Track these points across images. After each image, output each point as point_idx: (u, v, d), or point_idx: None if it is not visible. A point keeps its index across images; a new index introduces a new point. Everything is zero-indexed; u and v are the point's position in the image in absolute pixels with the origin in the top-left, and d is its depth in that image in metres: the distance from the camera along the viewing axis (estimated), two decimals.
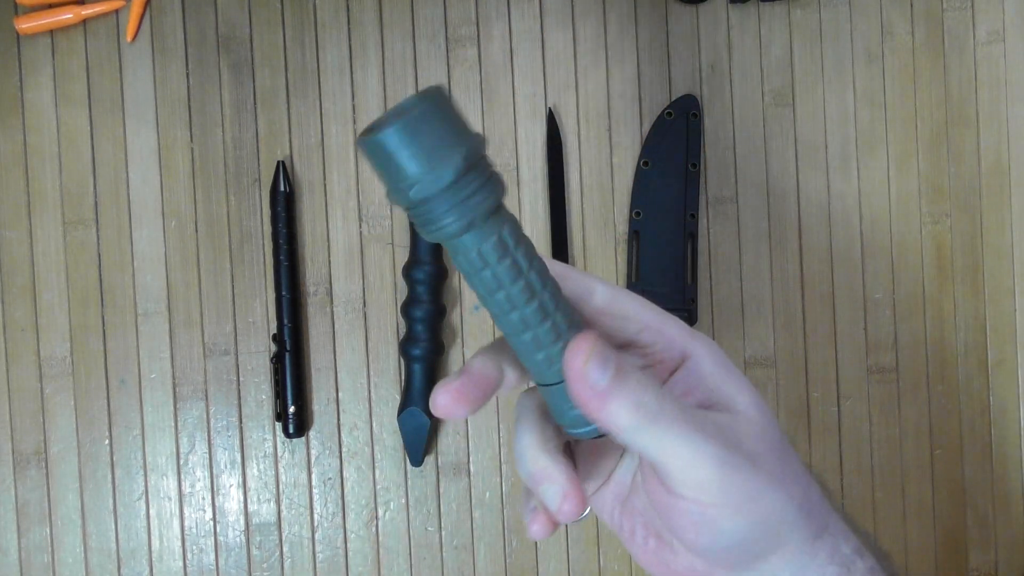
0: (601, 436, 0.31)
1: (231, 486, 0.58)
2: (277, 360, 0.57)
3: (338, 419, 0.59)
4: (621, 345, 0.32)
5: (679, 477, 0.29)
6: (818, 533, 0.31)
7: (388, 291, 0.59)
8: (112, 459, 0.58)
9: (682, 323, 0.32)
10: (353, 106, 0.59)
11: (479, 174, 0.27)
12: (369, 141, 0.26)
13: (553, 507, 0.31)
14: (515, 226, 0.28)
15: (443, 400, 0.30)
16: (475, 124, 0.59)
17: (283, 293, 0.57)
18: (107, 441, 0.58)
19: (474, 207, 0.27)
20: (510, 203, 0.59)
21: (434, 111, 0.26)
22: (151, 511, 0.58)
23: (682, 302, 0.58)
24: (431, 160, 0.26)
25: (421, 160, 0.26)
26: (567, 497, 0.31)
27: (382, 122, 0.27)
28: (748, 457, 0.29)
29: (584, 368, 0.28)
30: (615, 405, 0.28)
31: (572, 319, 0.30)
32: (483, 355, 0.31)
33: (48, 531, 0.58)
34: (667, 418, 0.28)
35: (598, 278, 0.32)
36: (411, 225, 0.57)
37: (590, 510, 0.35)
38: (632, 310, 0.31)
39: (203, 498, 0.58)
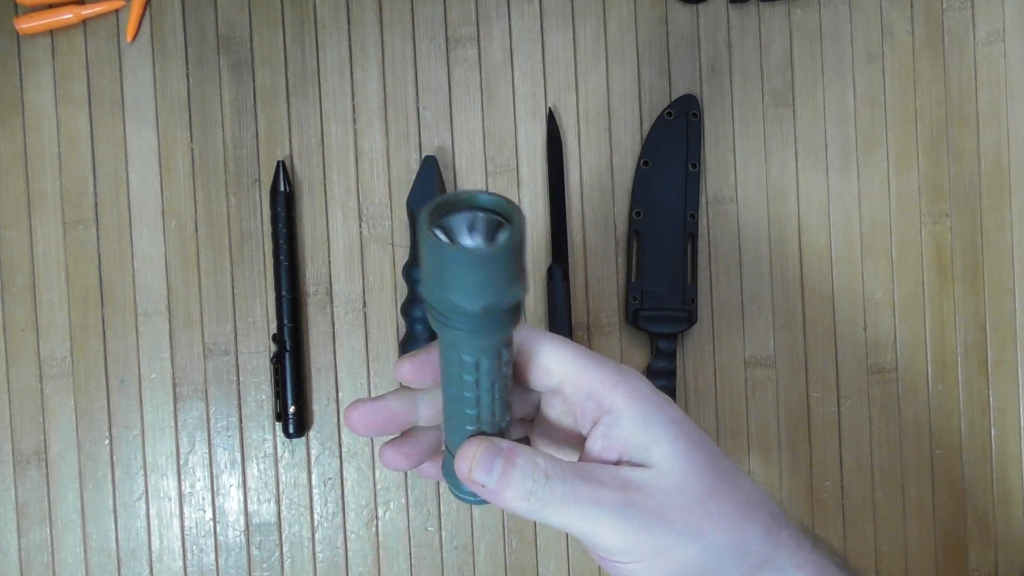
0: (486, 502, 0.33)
1: (231, 486, 0.58)
2: (277, 360, 0.57)
3: (338, 419, 0.59)
4: (547, 392, 0.33)
5: (588, 544, 0.31)
6: (756, 570, 0.32)
7: (388, 291, 0.59)
8: (112, 459, 0.58)
9: (608, 371, 0.32)
10: (353, 106, 0.59)
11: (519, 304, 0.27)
12: (470, 253, 0.25)
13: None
14: (511, 342, 0.30)
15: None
16: (475, 124, 0.59)
17: (283, 293, 0.57)
18: (107, 441, 0.58)
19: (501, 329, 0.27)
20: None
21: (518, 239, 0.25)
22: (151, 511, 0.58)
23: (682, 302, 0.58)
24: (504, 286, 0.25)
25: (499, 283, 0.25)
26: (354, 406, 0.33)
27: (471, 224, 0.26)
28: (655, 514, 0.30)
29: (470, 475, 0.31)
30: (506, 498, 0.30)
31: (505, 414, 0.32)
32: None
33: (48, 531, 0.58)
34: (558, 500, 0.30)
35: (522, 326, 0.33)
36: (411, 225, 0.57)
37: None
38: (552, 363, 0.32)
39: (203, 498, 0.58)
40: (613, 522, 0.30)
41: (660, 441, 0.31)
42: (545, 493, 0.30)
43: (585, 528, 0.30)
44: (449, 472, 0.33)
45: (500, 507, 0.31)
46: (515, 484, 0.30)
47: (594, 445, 0.32)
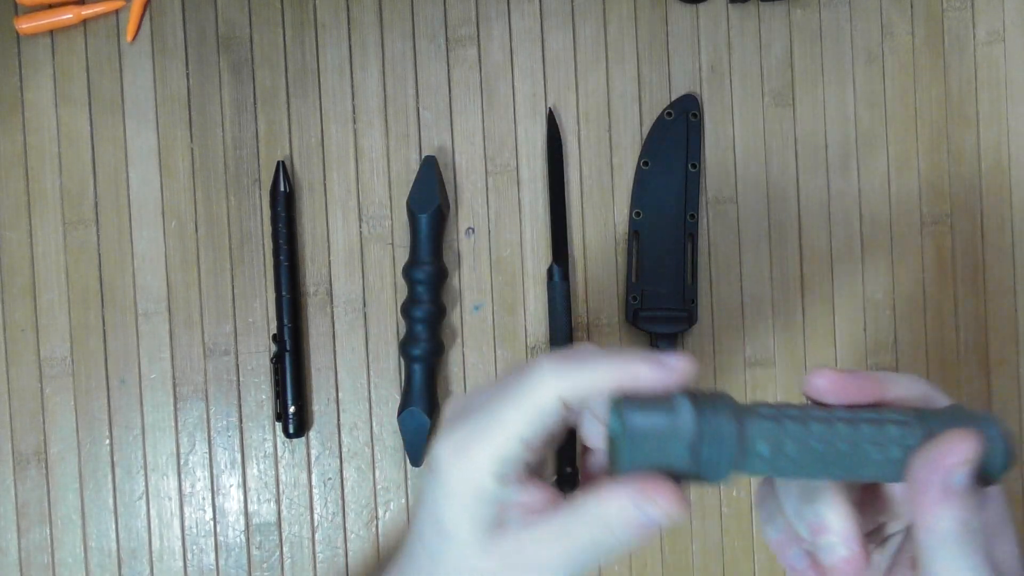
0: None
1: (231, 486, 0.58)
2: (277, 360, 0.57)
3: (338, 419, 0.59)
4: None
5: None
6: None
7: (388, 291, 0.59)
8: (112, 459, 0.58)
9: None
10: (353, 106, 0.59)
11: (717, 408, 0.30)
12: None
13: (830, 562, 0.30)
14: (760, 405, 0.31)
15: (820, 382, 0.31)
16: (475, 124, 0.59)
17: (283, 293, 0.57)
18: (107, 441, 0.58)
19: (721, 425, 0.30)
20: (510, 203, 0.59)
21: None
22: (151, 511, 0.58)
23: (682, 302, 0.58)
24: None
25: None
26: (851, 557, 0.30)
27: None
28: None
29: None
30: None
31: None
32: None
33: (48, 531, 0.58)
34: None
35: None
36: (411, 225, 0.57)
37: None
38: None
39: (203, 498, 0.58)
40: None
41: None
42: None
43: None
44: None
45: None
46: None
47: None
